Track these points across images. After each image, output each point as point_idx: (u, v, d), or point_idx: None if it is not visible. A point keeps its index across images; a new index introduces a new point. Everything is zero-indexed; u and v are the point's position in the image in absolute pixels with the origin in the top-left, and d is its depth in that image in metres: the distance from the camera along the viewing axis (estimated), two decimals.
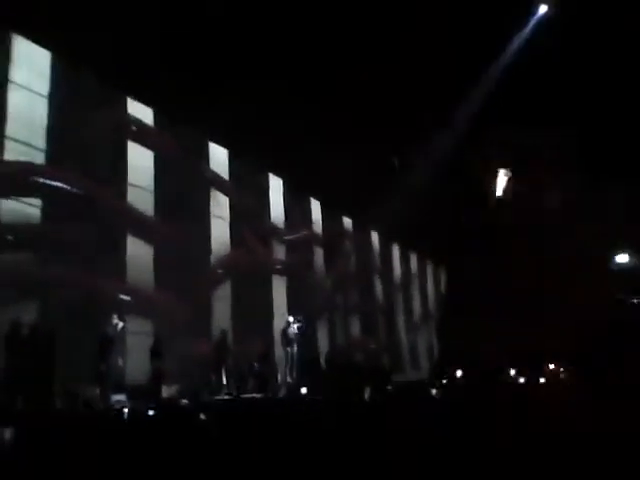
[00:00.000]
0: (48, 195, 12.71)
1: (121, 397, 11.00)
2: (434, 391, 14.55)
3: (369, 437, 7.17)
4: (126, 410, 8.57)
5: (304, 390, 13.27)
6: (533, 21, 19.09)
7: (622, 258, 25.46)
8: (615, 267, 25.36)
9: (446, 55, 17.67)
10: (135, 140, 15.23)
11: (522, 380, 21.41)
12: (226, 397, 13.17)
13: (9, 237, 11.99)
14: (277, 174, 20.33)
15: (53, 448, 6.39)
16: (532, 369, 22.57)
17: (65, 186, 13.07)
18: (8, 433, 6.36)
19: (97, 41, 12.99)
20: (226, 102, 15.73)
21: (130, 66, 13.87)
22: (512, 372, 22.96)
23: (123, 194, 14.58)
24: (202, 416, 8.58)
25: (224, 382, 13.83)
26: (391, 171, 23.18)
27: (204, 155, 17.56)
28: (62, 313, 11.78)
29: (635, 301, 22.02)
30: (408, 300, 28.39)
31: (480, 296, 27.38)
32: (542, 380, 21.08)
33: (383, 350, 24.47)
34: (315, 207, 22.45)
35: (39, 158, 12.73)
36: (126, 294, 14.00)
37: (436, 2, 16.37)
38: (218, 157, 17.98)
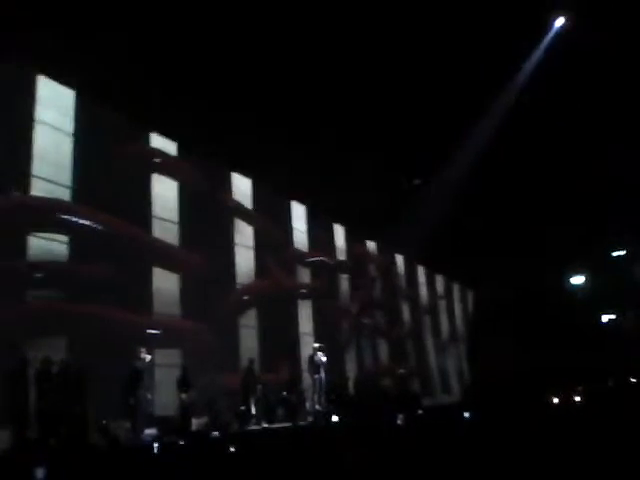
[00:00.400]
0: (74, 231, 12.90)
1: (152, 431, 11.01)
2: (466, 414, 14.31)
3: (399, 461, 7.09)
4: (157, 445, 8.56)
5: (335, 418, 13.14)
6: (550, 34, 19.09)
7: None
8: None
9: (460, 75, 17.71)
10: (159, 173, 15.46)
11: (555, 400, 21.04)
12: (256, 427, 13.12)
13: (37, 274, 12.15)
14: (300, 201, 20.42)
15: None
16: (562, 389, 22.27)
17: (90, 223, 13.24)
18: (42, 471, 6.39)
19: (118, 76, 13.27)
20: (248, 131, 15.94)
21: (152, 100, 14.14)
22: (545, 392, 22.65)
23: (148, 227, 14.76)
24: (232, 448, 8.55)
25: (253, 412, 13.76)
26: (412, 193, 23.19)
27: (227, 185, 17.73)
28: (91, 348, 11.84)
29: None
30: (436, 322, 28.14)
31: (510, 317, 27.26)
32: (576, 399, 20.71)
33: (412, 374, 24.21)
34: (339, 232, 22.48)
35: (65, 195, 12.95)
36: (153, 327, 14.09)
37: (448, 18, 16.45)
38: (241, 186, 18.14)
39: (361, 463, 7.00)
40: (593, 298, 30.24)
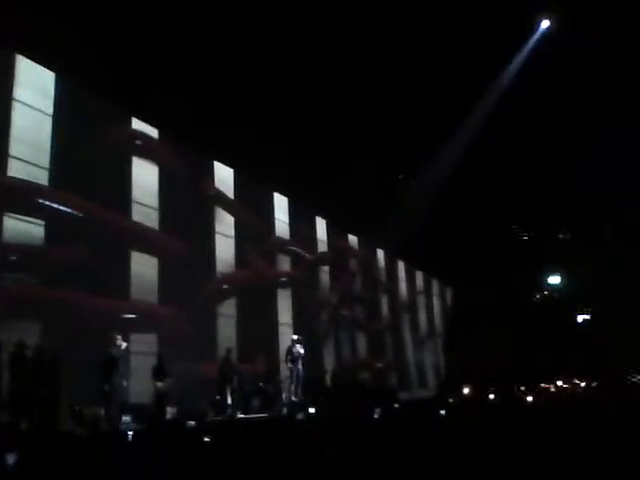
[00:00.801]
0: (50, 215, 12.69)
1: (126, 418, 10.90)
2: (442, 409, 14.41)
3: (375, 455, 7.09)
4: (131, 432, 8.47)
5: (312, 409, 13.13)
6: (535, 36, 19.20)
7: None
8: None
9: (447, 75, 17.77)
10: (139, 156, 15.25)
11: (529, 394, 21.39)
12: (231, 417, 13.07)
13: (12, 257, 11.94)
14: (282, 192, 20.34)
15: (59, 470, 6.31)
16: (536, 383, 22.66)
17: (67, 208, 13.03)
18: (13, 456, 6.28)
19: (101, 61, 13.07)
20: (232, 121, 15.82)
21: (135, 85, 13.95)
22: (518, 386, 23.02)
23: (128, 211, 14.58)
24: (207, 438, 8.49)
25: (229, 401, 13.70)
26: (396, 189, 23.28)
27: (209, 173, 17.58)
28: (66, 334, 11.68)
29: None
30: (415, 318, 28.28)
31: (486, 315, 27.57)
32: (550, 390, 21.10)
33: (389, 368, 24.31)
34: (320, 225, 22.44)
35: (43, 177, 12.72)
36: (130, 312, 13.94)
37: (438, 18, 16.48)
38: (223, 175, 17.99)
39: (337, 455, 6.98)
40: (569, 298, 30.68)
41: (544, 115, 20.55)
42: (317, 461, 6.60)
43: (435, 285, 30.72)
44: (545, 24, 18.73)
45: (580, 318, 30.64)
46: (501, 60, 19.89)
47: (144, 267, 14.63)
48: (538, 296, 31.53)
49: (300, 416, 12.56)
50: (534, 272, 30.45)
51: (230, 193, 18.07)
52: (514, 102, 19.71)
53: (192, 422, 10.20)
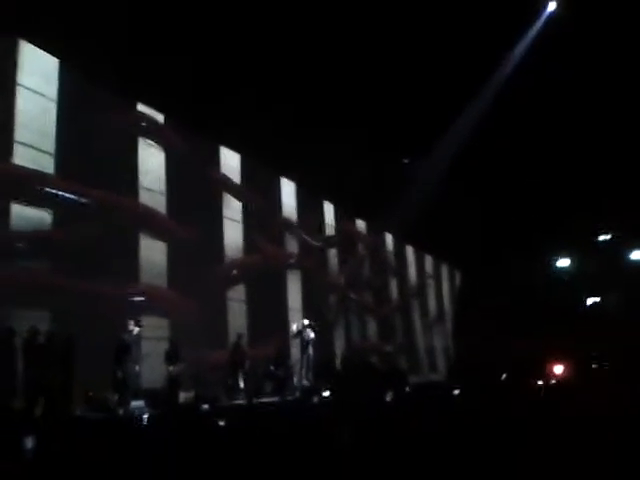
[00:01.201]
0: (58, 202, 12.64)
1: (139, 403, 10.90)
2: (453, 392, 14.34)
3: (385, 438, 7.03)
4: (146, 416, 8.44)
5: (326, 393, 13.12)
6: (542, 18, 18.98)
7: None
8: None
9: (454, 55, 17.56)
10: (146, 138, 15.21)
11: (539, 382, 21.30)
12: (243, 401, 13.07)
13: (21, 244, 11.91)
14: (289, 177, 20.23)
15: (73, 455, 6.28)
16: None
17: (75, 195, 12.98)
18: (31, 440, 6.26)
19: (105, 46, 12.95)
20: (238, 105, 15.68)
21: (140, 71, 13.83)
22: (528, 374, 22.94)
23: (135, 196, 14.52)
24: (221, 421, 8.46)
25: (241, 386, 13.70)
26: (404, 173, 23.10)
27: (215, 158, 17.48)
28: (77, 320, 11.67)
29: None
30: (424, 301, 28.23)
31: (496, 298, 27.47)
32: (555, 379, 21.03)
33: (399, 351, 24.30)
34: (328, 209, 22.35)
35: (49, 162, 12.65)
36: (140, 297, 13.93)
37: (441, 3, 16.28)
38: (230, 161, 17.89)
39: (352, 438, 6.92)
40: (578, 281, 30.54)
41: (555, 96, 20.30)
42: (334, 444, 6.54)
43: (444, 269, 30.63)
44: (552, 6, 18.49)
45: (590, 301, 30.51)
46: (507, 42, 19.65)
47: (153, 252, 14.59)
48: (547, 279, 31.37)
49: (315, 399, 12.54)
50: (543, 255, 30.28)
51: (237, 178, 17.98)
52: (523, 84, 19.49)
53: (206, 406, 10.20)
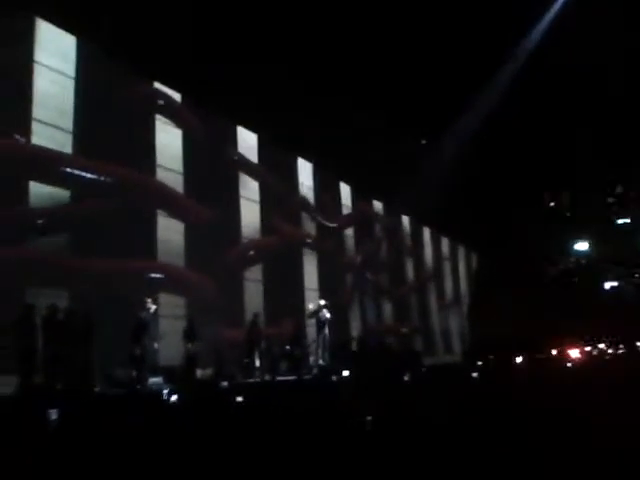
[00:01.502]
0: (76, 180, 12.67)
1: (157, 379, 10.97)
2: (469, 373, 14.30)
3: (398, 417, 7.01)
4: (165, 391, 8.49)
5: (345, 372, 13.12)
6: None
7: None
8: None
9: (472, 35, 17.30)
10: (163, 115, 15.17)
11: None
12: (259, 379, 13.13)
13: (39, 223, 11.96)
14: (306, 158, 20.11)
15: (93, 429, 6.32)
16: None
17: (94, 175, 13.00)
18: (55, 412, 6.30)
19: (122, 24, 12.88)
20: (255, 86, 15.57)
21: (157, 49, 13.75)
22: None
23: (152, 175, 14.52)
24: (239, 398, 8.48)
25: (257, 364, 13.75)
26: (421, 153, 22.91)
27: (232, 138, 17.42)
28: (96, 297, 11.75)
29: None
30: (440, 283, 28.13)
31: (513, 280, 27.30)
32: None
33: (415, 332, 24.30)
34: (345, 190, 22.25)
35: (67, 140, 12.66)
36: (158, 276, 13.98)
37: None
38: (247, 140, 17.82)
39: (373, 416, 6.89)
40: (596, 264, 30.26)
41: (576, 77, 19.95)
42: (355, 421, 6.52)
43: (461, 251, 30.46)
44: None
45: (608, 285, 30.22)
46: (530, 17, 19.33)
47: (170, 232, 14.62)
48: (565, 263, 31.12)
49: (334, 378, 12.57)
50: (561, 238, 30.02)
51: (254, 158, 17.92)
52: (544, 63, 19.18)
53: (225, 383, 10.25)
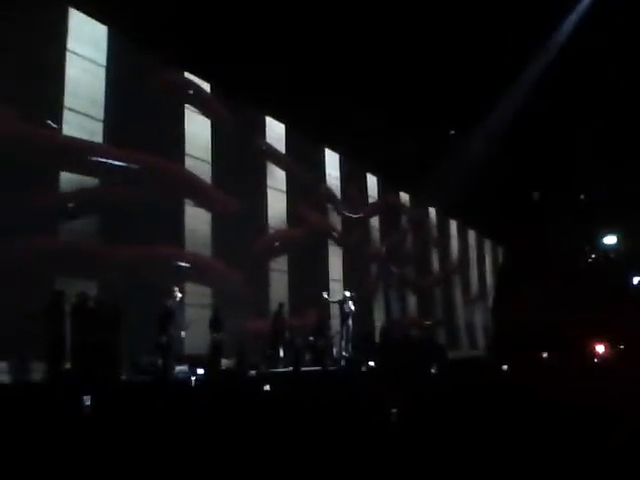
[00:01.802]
0: (106, 168, 12.79)
1: (183, 368, 11.08)
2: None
3: (422, 409, 7.01)
4: (193, 378, 8.58)
5: (371, 363, 13.14)
6: None
7: None
8: None
9: (502, 27, 17.02)
10: (192, 105, 15.24)
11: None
12: (283, 369, 13.19)
13: (69, 211, 12.10)
14: (333, 148, 20.05)
15: (119, 417, 6.42)
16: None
17: (122, 162, 13.12)
18: (89, 398, 6.40)
19: (154, 14, 12.93)
20: (283, 76, 15.54)
21: (187, 39, 13.79)
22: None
23: (181, 164, 14.61)
24: (266, 387, 8.55)
25: (281, 355, 13.82)
26: (449, 145, 22.68)
27: (260, 128, 17.44)
28: (125, 284, 11.88)
29: None
30: (466, 277, 27.92)
31: (539, 275, 26.97)
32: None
33: (439, 325, 24.18)
34: (372, 181, 22.16)
35: (97, 129, 12.78)
36: (185, 265, 14.09)
37: None
38: (275, 130, 17.83)
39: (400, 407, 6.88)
40: (624, 259, 29.76)
41: (605, 69, 19.54)
42: (383, 410, 6.52)
43: (487, 244, 30.19)
44: None
45: (636, 280, 29.69)
46: (560, 11, 18.95)
47: (197, 222, 14.71)
48: (593, 256, 30.63)
49: (364, 369, 12.59)
50: (589, 232, 29.54)
51: (282, 148, 17.93)
52: (574, 55, 18.80)
53: (253, 372, 10.32)
